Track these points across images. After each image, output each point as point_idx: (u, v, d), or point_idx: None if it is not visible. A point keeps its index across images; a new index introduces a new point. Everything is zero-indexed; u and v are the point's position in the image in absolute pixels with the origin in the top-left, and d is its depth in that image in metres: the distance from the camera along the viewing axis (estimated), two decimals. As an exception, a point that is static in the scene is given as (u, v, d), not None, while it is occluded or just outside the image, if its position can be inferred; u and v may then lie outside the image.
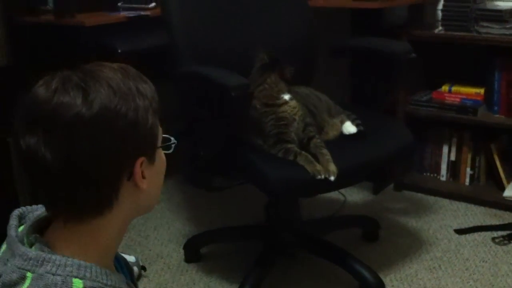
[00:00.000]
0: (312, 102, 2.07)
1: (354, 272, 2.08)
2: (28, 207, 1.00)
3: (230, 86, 1.78)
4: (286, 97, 1.94)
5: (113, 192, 0.89)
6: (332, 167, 1.81)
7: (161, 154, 0.97)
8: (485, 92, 2.67)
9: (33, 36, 2.56)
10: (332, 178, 1.79)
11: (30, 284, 0.84)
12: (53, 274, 0.85)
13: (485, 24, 2.55)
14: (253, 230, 2.46)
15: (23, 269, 0.86)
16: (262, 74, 1.96)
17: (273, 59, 2.00)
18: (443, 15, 2.67)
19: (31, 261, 0.86)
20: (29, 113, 0.86)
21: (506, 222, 2.52)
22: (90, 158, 0.85)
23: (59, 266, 0.86)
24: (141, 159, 0.90)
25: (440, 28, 2.68)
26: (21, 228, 0.96)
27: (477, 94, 2.67)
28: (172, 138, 1.00)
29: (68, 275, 0.85)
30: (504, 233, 2.43)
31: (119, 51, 2.31)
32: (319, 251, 2.25)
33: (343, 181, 1.88)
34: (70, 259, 0.87)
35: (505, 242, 2.37)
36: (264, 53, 2.02)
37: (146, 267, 2.27)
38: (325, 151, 1.87)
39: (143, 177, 0.91)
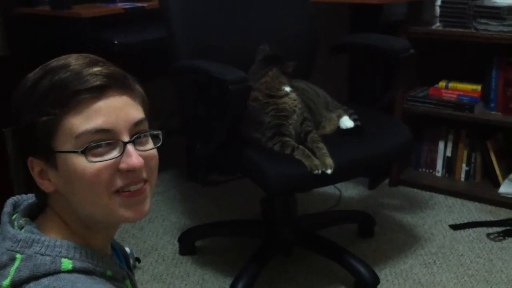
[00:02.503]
0: (309, 97, 2.06)
1: (350, 267, 2.09)
2: (24, 195, 1.01)
3: (228, 80, 1.77)
4: (287, 89, 1.94)
5: (36, 183, 0.91)
6: (329, 161, 1.81)
7: (72, 161, 0.86)
8: (482, 89, 2.67)
9: (30, 27, 2.55)
10: (329, 171, 1.79)
11: (20, 265, 0.85)
12: (42, 255, 0.85)
13: (483, 21, 2.55)
14: (249, 225, 2.46)
15: (12, 250, 0.87)
16: (264, 67, 1.97)
17: (276, 52, 2.00)
18: (441, 12, 2.67)
19: (20, 243, 0.87)
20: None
21: (501, 218, 2.53)
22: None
23: (48, 246, 0.86)
24: (30, 158, 0.89)
25: (438, 24, 2.68)
26: (15, 216, 0.96)
27: (474, 91, 2.67)
28: (79, 150, 0.86)
29: (57, 255, 0.86)
30: (499, 229, 2.44)
31: (115, 42, 2.30)
32: (314, 246, 2.25)
33: (340, 175, 1.88)
34: (59, 240, 0.88)
35: (500, 238, 2.38)
36: (266, 45, 2.02)
37: (141, 259, 2.27)
38: (321, 145, 1.87)
39: (43, 179, 0.90)
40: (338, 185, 2.77)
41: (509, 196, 2.62)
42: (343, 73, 3.01)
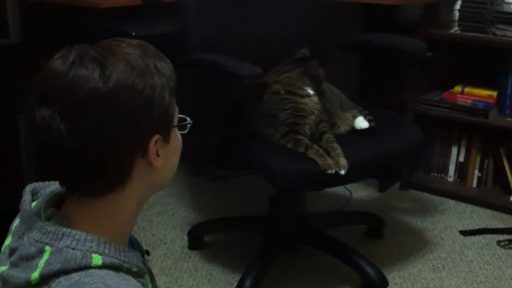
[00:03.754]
0: (326, 97, 2.05)
1: (358, 268, 2.08)
2: (40, 183, 0.99)
3: (244, 75, 1.77)
4: (310, 91, 1.93)
5: (126, 168, 0.88)
6: (343, 161, 1.80)
7: (176, 134, 0.96)
8: (498, 95, 2.65)
9: (45, 15, 2.55)
10: (342, 172, 1.78)
11: (49, 258, 0.84)
12: (73, 249, 0.84)
13: (501, 26, 2.53)
14: (258, 221, 2.46)
15: (41, 242, 0.85)
16: (292, 63, 1.96)
17: (311, 58, 2.00)
18: (460, 16, 2.65)
19: (49, 235, 0.85)
20: (45, 85, 0.85)
21: (512, 226, 2.52)
22: (104, 133, 0.84)
23: (78, 240, 0.85)
24: (156, 137, 0.89)
25: (456, 28, 2.66)
26: (34, 203, 0.95)
27: (490, 96, 2.65)
28: (188, 118, 0.99)
29: (87, 250, 0.85)
30: (510, 236, 2.42)
31: (133, 34, 2.30)
32: (323, 245, 2.25)
33: (352, 176, 1.88)
34: (90, 234, 0.87)
35: (510, 246, 2.36)
36: (307, 50, 2.02)
37: (150, 252, 2.26)
38: (336, 145, 1.86)
39: (158, 155, 0.90)
40: (348, 186, 2.76)
41: (520, 203, 2.60)
42: (356, 72, 2.99)
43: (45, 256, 0.84)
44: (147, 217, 2.54)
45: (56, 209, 0.91)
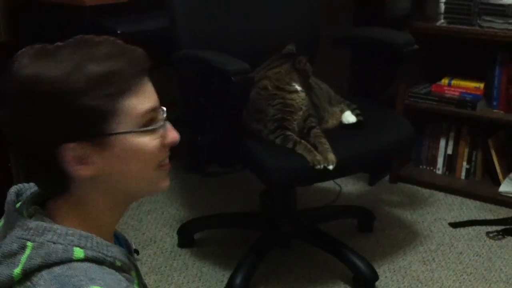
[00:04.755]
0: (313, 91, 2.05)
1: (348, 262, 2.08)
2: (26, 184, 0.99)
3: (231, 70, 1.76)
4: (298, 87, 1.93)
5: (54, 172, 0.87)
6: (331, 156, 1.80)
7: (127, 139, 0.88)
8: (485, 86, 2.66)
9: (32, 14, 2.53)
10: (331, 167, 1.78)
11: (31, 253, 0.84)
12: (54, 243, 0.85)
13: (487, 18, 2.53)
14: (248, 218, 2.46)
15: (23, 238, 0.85)
16: (280, 59, 1.96)
17: (298, 53, 1.99)
18: (445, 8, 2.65)
19: (31, 231, 0.86)
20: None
21: (501, 217, 2.52)
22: (19, 131, 0.86)
23: (60, 235, 0.86)
24: (66, 145, 0.85)
25: (442, 20, 2.66)
26: (19, 204, 0.95)
27: (477, 88, 2.66)
28: (132, 130, 0.88)
29: (69, 244, 0.85)
30: (499, 228, 2.43)
31: (118, 32, 2.28)
32: (313, 240, 2.25)
33: (341, 171, 1.87)
34: (71, 229, 0.87)
35: (499, 237, 2.38)
36: (294, 46, 2.02)
37: (139, 251, 2.26)
38: (324, 140, 1.86)
39: (83, 163, 0.87)
40: (338, 180, 2.76)
41: (509, 195, 2.61)
42: (345, 67, 2.99)
43: (27, 252, 0.84)
44: (136, 216, 2.53)
45: (38, 207, 0.91)
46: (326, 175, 1.84)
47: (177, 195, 2.74)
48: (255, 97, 1.91)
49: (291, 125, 1.89)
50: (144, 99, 0.89)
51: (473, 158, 2.77)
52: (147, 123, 0.90)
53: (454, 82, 2.70)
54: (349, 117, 2.05)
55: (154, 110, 0.91)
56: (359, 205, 2.56)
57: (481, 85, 2.65)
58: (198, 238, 2.36)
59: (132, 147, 0.89)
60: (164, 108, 0.94)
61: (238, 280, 1.98)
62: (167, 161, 0.96)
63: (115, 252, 0.90)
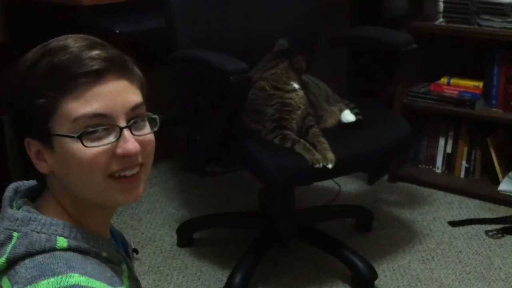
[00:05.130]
0: (311, 90, 2.05)
1: (347, 262, 2.08)
2: (25, 181, 1.00)
3: (228, 70, 1.76)
4: (296, 85, 1.93)
5: (32, 162, 0.90)
6: (330, 155, 1.80)
7: (71, 145, 0.86)
8: (484, 86, 2.66)
9: (30, 13, 2.52)
10: (330, 166, 1.78)
11: (16, 242, 0.86)
12: (38, 232, 0.86)
13: (486, 17, 2.53)
14: (247, 217, 2.45)
15: (9, 229, 0.87)
16: (275, 58, 1.95)
17: (291, 48, 1.99)
18: (444, 7, 2.65)
19: (17, 222, 0.88)
20: None
21: (500, 216, 2.52)
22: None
23: (44, 224, 0.87)
24: (27, 139, 0.89)
25: (441, 19, 2.66)
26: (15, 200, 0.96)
27: (476, 87, 2.66)
28: (75, 135, 0.85)
29: (52, 233, 0.86)
30: (498, 226, 2.43)
31: (117, 31, 2.28)
32: (312, 240, 2.25)
33: (340, 170, 1.88)
34: (55, 219, 0.88)
35: (499, 235, 2.38)
36: (285, 40, 2.01)
37: (138, 250, 2.26)
38: (323, 139, 1.86)
39: (40, 160, 0.89)
40: (337, 179, 2.76)
41: (508, 193, 2.61)
42: (343, 66, 2.99)
43: (13, 242, 0.86)
44: (135, 215, 2.53)
45: (26, 199, 0.93)
46: (325, 174, 1.84)
47: (176, 194, 2.74)
48: (252, 98, 1.91)
49: (289, 124, 1.89)
50: (85, 103, 0.84)
51: (472, 157, 2.77)
52: (88, 130, 0.85)
53: (453, 81, 2.70)
54: (348, 116, 2.05)
55: (97, 116, 0.85)
56: (358, 204, 2.56)
57: (480, 84, 2.65)
58: (197, 238, 2.36)
59: (69, 151, 0.86)
60: (122, 116, 0.87)
61: (237, 279, 1.98)
62: (127, 172, 0.89)
63: (101, 243, 0.91)
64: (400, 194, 2.76)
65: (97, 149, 0.86)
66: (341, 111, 2.06)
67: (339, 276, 2.11)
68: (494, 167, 2.70)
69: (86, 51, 0.86)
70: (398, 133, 2.07)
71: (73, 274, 0.81)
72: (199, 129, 2.04)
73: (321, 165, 1.78)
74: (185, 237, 2.33)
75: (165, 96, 2.37)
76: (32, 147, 0.89)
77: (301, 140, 1.84)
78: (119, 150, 0.87)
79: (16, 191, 0.97)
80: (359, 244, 2.28)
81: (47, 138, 0.87)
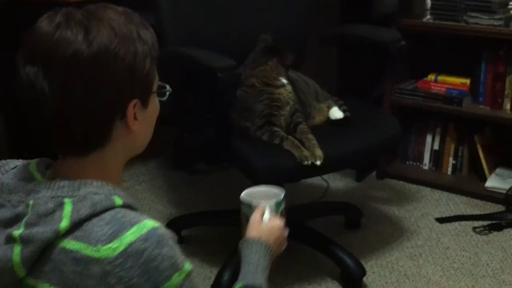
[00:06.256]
0: (300, 87, 2.05)
1: (336, 259, 2.08)
2: (3, 160, 1.04)
3: (217, 67, 1.76)
4: (284, 81, 1.93)
5: (105, 129, 0.93)
6: (318, 152, 1.80)
7: (155, 100, 1.00)
8: (471, 83, 2.67)
9: (18, 11, 2.50)
10: (318, 162, 1.79)
11: (75, 206, 0.89)
12: (95, 194, 0.91)
13: (473, 14, 2.55)
14: (236, 215, 2.44)
15: (58, 197, 0.90)
16: (264, 55, 1.96)
17: (277, 44, 1.99)
18: (432, 4, 2.66)
19: (65, 188, 0.91)
20: (31, 44, 0.90)
21: (487, 212, 2.54)
22: (84, 95, 0.89)
23: (97, 187, 0.92)
24: (134, 101, 0.94)
25: (429, 17, 2.67)
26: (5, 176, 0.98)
27: (463, 84, 2.67)
28: (167, 86, 1.03)
29: (108, 194, 0.92)
30: (485, 223, 2.44)
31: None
32: (301, 237, 2.24)
33: (329, 166, 1.88)
34: (101, 181, 0.94)
35: (486, 232, 2.39)
36: (268, 35, 2.01)
37: (127, 248, 2.25)
38: (311, 136, 1.86)
39: (135, 119, 0.95)
40: (325, 176, 2.76)
41: (495, 190, 2.63)
42: (332, 64, 2.99)
43: (68, 207, 0.89)
44: (123, 213, 2.51)
45: (55, 170, 0.96)
46: (313, 171, 1.84)
47: (164, 192, 2.73)
48: (243, 95, 1.91)
49: (278, 120, 1.89)
50: None
51: (460, 154, 2.79)
52: (160, 88, 1.02)
53: (440, 78, 2.72)
54: (336, 113, 2.05)
55: None
56: (346, 201, 2.57)
57: (467, 81, 2.67)
58: (185, 235, 2.35)
59: (154, 105, 1.00)
60: None
61: (225, 277, 1.98)
62: None
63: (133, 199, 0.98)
64: (388, 191, 2.77)
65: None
66: (329, 108, 2.07)
67: (327, 273, 2.12)
68: (481, 164, 2.71)
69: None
70: (388, 131, 2.08)
71: (146, 220, 0.90)
72: (188, 127, 2.04)
73: (309, 162, 1.79)
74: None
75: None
76: (133, 109, 0.94)
77: (290, 137, 1.84)
78: None
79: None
80: (348, 241, 2.28)
81: (148, 96, 0.97)
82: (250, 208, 1.39)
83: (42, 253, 0.89)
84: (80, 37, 0.88)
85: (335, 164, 1.97)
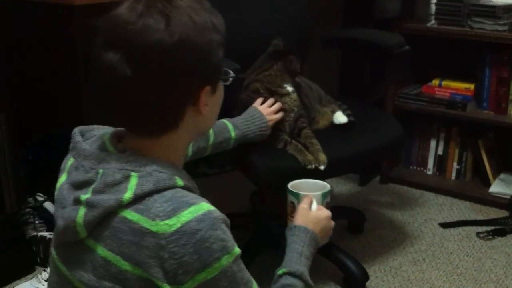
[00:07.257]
0: (304, 91, 2.05)
1: (339, 263, 2.08)
2: (85, 126, 1.09)
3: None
4: (290, 88, 1.92)
5: (180, 113, 0.98)
6: (322, 156, 1.80)
7: (220, 85, 1.06)
8: (475, 88, 2.67)
9: (21, 13, 2.51)
10: (322, 167, 1.78)
11: (140, 180, 0.94)
12: (160, 172, 0.96)
13: (478, 19, 2.54)
14: (239, 218, 2.44)
15: (125, 169, 0.95)
16: (270, 60, 1.95)
17: (286, 48, 1.98)
18: (436, 9, 2.66)
19: (133, 163, 0.96)
20: (114, 31, 0.94)
21: (491, 217, 2.53)
22: (164, 81, 0.94)
23: (163, 166, 0.97)
24: (207, 88, 0.99)
25: (433, 21, 2.67)
26: (85, 143, 1.04)
27: (467, 89, 2.67)
28: (231, 72, 1.10)
29: (172, 174, 0.97)
30: (489, 228, 2.44)
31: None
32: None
33: (332, 171, 1.87)
34: (169, 162, 0.99)
35: (490, 237, 2.39)
36: (280, 40, 2.00)
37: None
38: (315, 141, 1.86)
39: (206, 104, 1.00)
40: (329, 181, 2.74)
41: (499, 195, 2.62)
42: (335, 68, 2.99)
43: (133, 180, 0.94)
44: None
45: (125, 144, 1.01)
46: (317, 175, 1.83)
47: (168, 195, 2.72)
48: (246, 100, 1.91)
49: (282, 126, 1.88)
50: None
51: (463, 159, 2.78)
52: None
53: (444, 83, 2.71)
54: (340, 118, 2.05)
55: None
56: (349, 205, 2.56)
57: (471, 86, 2.67)
58: (188, 239, 2.35)
59: (220, 91, 1.06)
60: None
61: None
62: None
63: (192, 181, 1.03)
64: (392, 196, 2.77)
65: None
66: (333, 112, 2.06)
67: (330, 277, 2.11)
68: (485, 169, 2.71)
69: None
70: (391, 135, 2.07)
71: (203, 203, 0.96)
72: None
73: (313, 166, 1.78)
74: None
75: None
76: (205, 94, 0.99)
77: (293, 141, 1.84)
78: None
79: (81, 134, 1.06)
80: (351, 245, 2.28)
81: (217, 82, 1.03)
82: (298, 197, 1.45)
83: (104, 219, 0.94)
84: (162, 26, 0.92)
85: (339, 168, 1.97)
